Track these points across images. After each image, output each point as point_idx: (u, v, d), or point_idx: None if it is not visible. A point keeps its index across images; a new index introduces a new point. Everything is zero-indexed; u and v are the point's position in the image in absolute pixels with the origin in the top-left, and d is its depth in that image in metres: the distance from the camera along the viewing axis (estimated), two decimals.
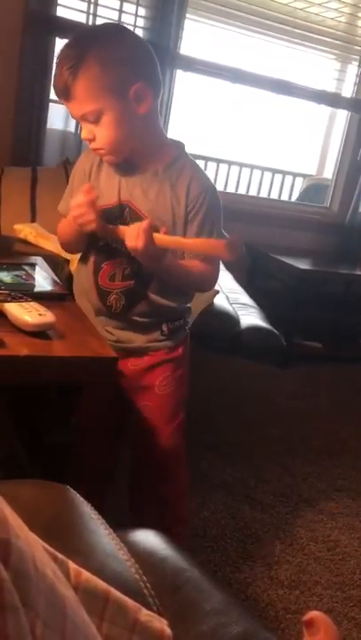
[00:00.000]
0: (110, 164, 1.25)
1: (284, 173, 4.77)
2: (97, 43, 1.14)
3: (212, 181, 1.30)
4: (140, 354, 1.32)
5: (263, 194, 4.53)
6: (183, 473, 1.44)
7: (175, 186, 1.22)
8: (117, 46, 1.14)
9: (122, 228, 1.17)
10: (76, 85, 1.11)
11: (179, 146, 1.28)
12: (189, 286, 1.34)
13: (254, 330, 1.99)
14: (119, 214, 1.23)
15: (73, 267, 1.62)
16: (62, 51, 1.15)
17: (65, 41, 1.18)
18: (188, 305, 1.38)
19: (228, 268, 2.56)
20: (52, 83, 1.17)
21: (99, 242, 1.27)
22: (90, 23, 2.63)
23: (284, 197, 4.61)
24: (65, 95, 1.14)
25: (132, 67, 1.14)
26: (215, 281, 1.34)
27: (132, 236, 1.12)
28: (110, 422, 1.40)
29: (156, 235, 1.12)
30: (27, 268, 1.37)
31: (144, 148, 1.23)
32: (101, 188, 1.25)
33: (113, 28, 1.35)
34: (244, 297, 2.28)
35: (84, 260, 1.33)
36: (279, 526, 1.78)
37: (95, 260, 1.29)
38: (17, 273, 1.31)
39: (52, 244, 1.87)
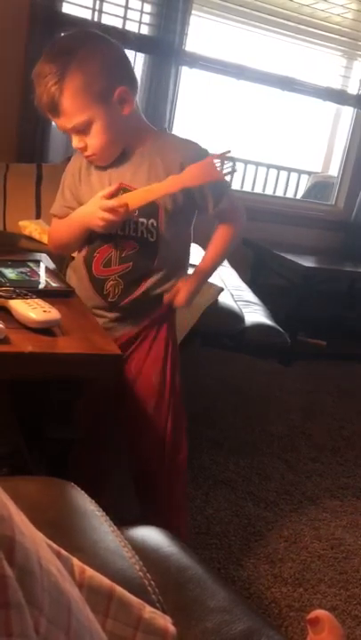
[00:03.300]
0: (101, 165, 1.27)
1: (290, 170, 4.77)
2: (75, 55, 1.14)
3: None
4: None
5: (268, 191, 4.52)
6: (176, 462, 1.37)
7: (165, 156, 1.24)
8: (95, 55, 1.16)
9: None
10: (63, 100, 1.14)
11: (160, 127, 1.30)
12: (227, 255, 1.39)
13: (259, 327, 1.99)
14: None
15: None
16: (41, 67, 1.14)
17: None
18: None
19: (233, 265, 2.56)
20: (36, 101, 1.17)
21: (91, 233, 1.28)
22: (95, 19, 2.63)
23: (290, 195, 4.60)
24: (53, 111, 1.16)
25: (112, 72, 1.17)
26: (242, 228, 1.36)
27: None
28: (111, 420, 1.40)
29: (127, 195, 1.14)
30: (31, 264, 1.37)
31: (129, 140, 1.26)
32: (95, 185, 1.27)
33: (85, 36, 1.29)
34: (248, 294, 2.27)
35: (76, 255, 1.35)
36: (283, 524, 1.78)
37: (87, 250, 1.30)
38: (22, 270, 1.31)
39: None
